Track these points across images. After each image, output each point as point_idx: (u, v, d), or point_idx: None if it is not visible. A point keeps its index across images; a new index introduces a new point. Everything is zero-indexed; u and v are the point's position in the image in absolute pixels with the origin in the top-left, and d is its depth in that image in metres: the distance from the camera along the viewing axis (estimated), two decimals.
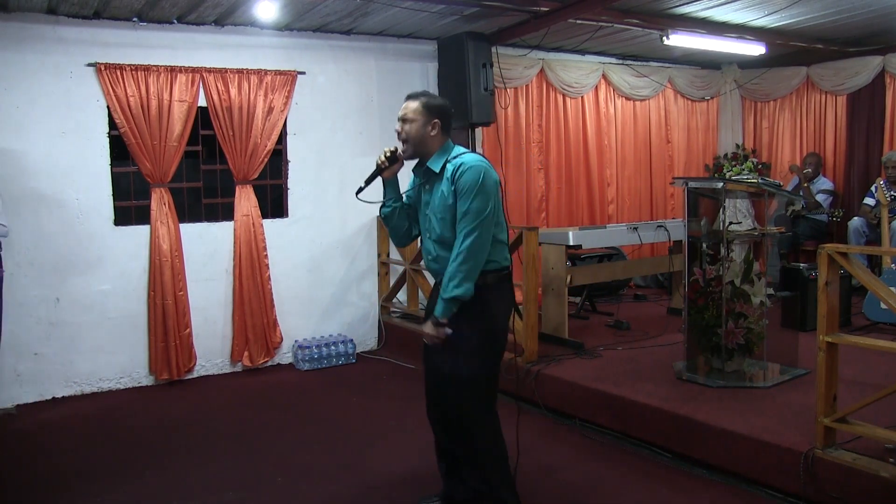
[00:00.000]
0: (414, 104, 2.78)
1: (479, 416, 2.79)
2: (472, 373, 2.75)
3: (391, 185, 2.91)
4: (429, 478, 3.24)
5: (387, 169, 2.85)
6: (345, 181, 5.79)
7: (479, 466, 2.81)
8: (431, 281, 5.61)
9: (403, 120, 2.79)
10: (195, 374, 5.30)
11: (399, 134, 2.80)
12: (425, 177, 2.83)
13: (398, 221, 2.94)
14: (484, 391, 2.81)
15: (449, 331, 2.70)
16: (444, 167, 2.75)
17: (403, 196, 2.97)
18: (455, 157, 2.75)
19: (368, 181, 2.88)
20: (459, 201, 2.66)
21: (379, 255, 6.03)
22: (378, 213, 3.01)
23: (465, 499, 2.92)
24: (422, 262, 5.66)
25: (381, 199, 2.93)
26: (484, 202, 2.66)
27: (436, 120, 2.77)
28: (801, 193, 6.49)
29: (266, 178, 5.60)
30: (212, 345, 5.37)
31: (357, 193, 2.87)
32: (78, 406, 4.71)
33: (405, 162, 2.88)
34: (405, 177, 2.91)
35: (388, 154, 2.83)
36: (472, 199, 2.64)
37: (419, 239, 2.99)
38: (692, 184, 4.22)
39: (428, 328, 2.73)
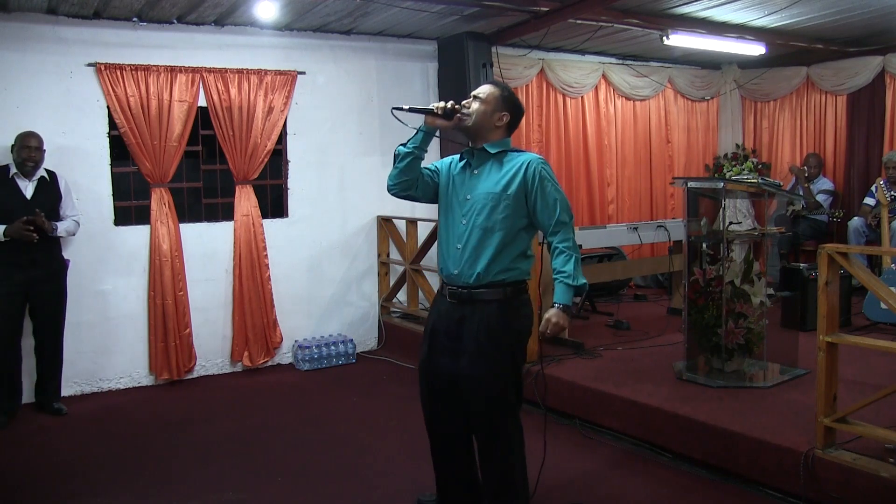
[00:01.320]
0: (493, 89, 2.74)
1: (517, 427, 2.73)
2: (510, 380, 2.68)
3: (425, 134, 2.73)
4: (429, 478, 3.24)
5: (435, 115, 2.68)
6: (345, 181, 5.79)
7: (507, 478, 2.72)
8: (432, 281, 5.67)
9: (476, 97, 2.73)
10: (195, 374, 5.30)
11: (465, 106, 2.70)
12: (478, 159, 2.73)
13: (407, 167, 2.73)
14: (519, 398, 2.75)
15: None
16: (502, 155, 2.70)
17: (434, 167, 2.83)
18: (519, 152, 2.71)
19: (412, 109, 2.71)
20: (543, 196, 2.61)
21: (379, 255, 6.03)
22: (388, 189, 2.83)
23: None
24: (420, 262, 5.71)
25: (413, 129, 2.75)
26: (565, 195, 2.68)
27: (506, 113, 2.72)
28: (801, 193, 6.49)
29: (266, 178, 5.61)
30: (212, 345, 5.37)
31: (393, 109, 2.72)
32: (78, 406, 4.71)
33: (456, 132, 2.76)
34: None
35: (447, 108, 2.67)
36: (556, 191, 2.64)
37: (442, 229, 2.81)
38: (692, 184, 4.22)
39: (558, 316, 2.58)
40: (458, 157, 2.83)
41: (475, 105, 2.70)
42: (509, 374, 2.68)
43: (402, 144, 2.76)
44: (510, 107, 2.74)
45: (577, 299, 2.57)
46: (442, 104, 2.69)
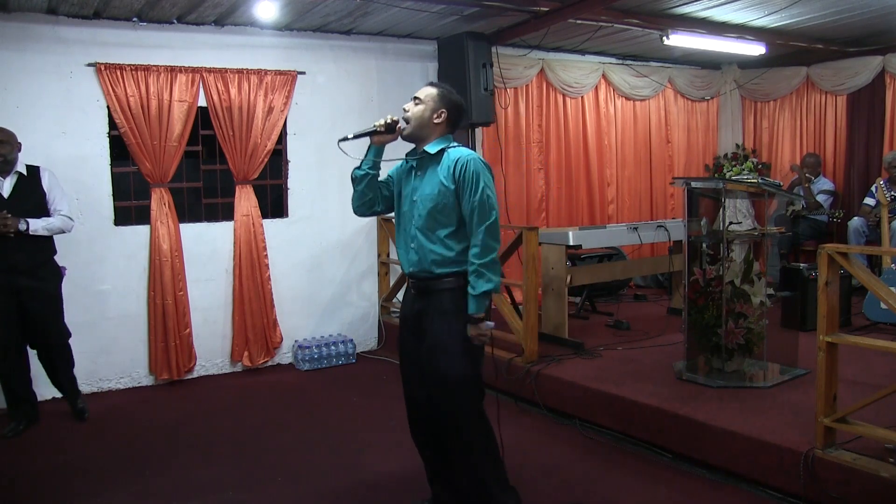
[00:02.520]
0: (430, 89, 2.82)
1: (474, 415, 2.79)
2: (466, 371, 2.75)
3: (375, 152, 2.86)
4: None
5: (379, 134, 2.80)
6: (345, 181, 5.69)
7: (474, 468, 2.80)
8: None
9: (415, 99, 2.81)
10: (195, 374, 5.30)
11: (405, 111, 2.80)
12: (420, 161, 2.81)
13: (366, 188, 2.87)
14: (478, 389, 2.82)
15: (492, 323, 2.73)
16: (441, 153, 2.76)
17: (388, 176, 2.94)
18: (455, 148, 2.77)
19: (357, 136, 2.82)
20: (465, 193, 2.67)
21: (379, 255, 6.03)
22: (354, 211, 2.97)
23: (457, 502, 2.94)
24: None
25: (360, 157, 2.88)
26: (492, 193, 2.70)
27: (444, 110, 2.78)
28: (802, 193, 6.49)
29: (266, 178, 5.61)
30: (212, 345, 5.37)
31: (339, 141, 2.82)
32: None
33: (401, 141, 2.85)
34: (385, 166, 2.91)
35: (388, 121, 2.80)
36: (480, 191, 2.66)
37: (396, 230, 2.94)
38: (692, 184, 4.22)
39: (471, 331, 2.70)
40: (404, 161, 2.92)
41: (414, 107, 2.80)
42: (465, 361, 2.75)
43: (356, 168, 2.88)
44: (447, 104, 2.80)
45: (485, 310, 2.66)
46: (382, 121, 2.81)
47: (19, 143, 4.21)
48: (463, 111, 2.88)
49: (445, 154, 2.75)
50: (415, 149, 2.85)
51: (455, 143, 2.82)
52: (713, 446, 3.34)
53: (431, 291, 2.77)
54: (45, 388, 4.71)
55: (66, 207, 4.27)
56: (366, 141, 2.87)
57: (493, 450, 2.83)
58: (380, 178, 2.93)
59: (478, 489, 2.81)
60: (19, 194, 4.11)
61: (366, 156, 2.87)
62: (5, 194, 4.09)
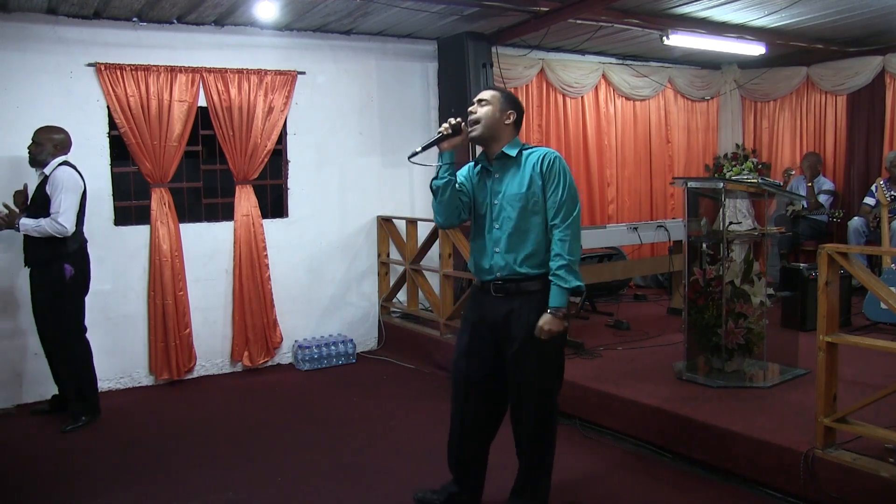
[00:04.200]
0: (494, 91, 2.82)
1: (556, 418, 2.88)
2: (559, 372, 2.83)
3: (447, 157, 2.77)
4: (429, 477, 3.24)
5: (447, 139, 2.75)
6: (345, 181, 5.79)
7: (544, 470, 2.90)
8: (432, 281, 5.67)
9: (480, 101, 2.79)
10: (195, 374, 5.30)
11: (471, 114, 2.77)
12: (498, 163, 2.79)
13: (451, 196, 2.77)
14: (560, 381, 2.91)
15: (567, 323, 2.73)
16: (520, 154, 2.76)
17: (459, 183, 2.85)
18: (532, 148, 2.78)
19: (425, 147, 2.79)
20: (552, 188, 2.68)
21: (379, 255, 6.03)
22: (430, 187, 2.84)
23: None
24: (420, 262, 5.70)
25: (437, 163, 2.79)
26: (576, 191, 2.72)
27: (512, 111, 2.78)
28: (804, 193, 6.50)
29: (266, 178, 5.61)
30: (212, 345, 5.37)
31: (410, 157, 2.79)
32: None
33: (469, 144, 2.85)
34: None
35: (454, 123, 2.76)
36: (566, 188, 2.68)
37: (473, 236, 2.89)
38: (692, 184, 4.23)
39: (550, 323, 2.66)
40: (472, 164, 2.90)
41: (482, 109, 2.76)
42: (554, 357, 2.80)
43: (434, 179, 2.81)
44: (514, 105, 2.82)
45: (576, 299, 2.64)
46: (446, 124, 2.77)
47: (59, 145, 4.26)
48: (524, 113, 2.91)
49: (526, 154, 2.76)
50: (483, 152, 2.83)
51: (528, 144, 2.82)
52: (713, 446, 3.34)
53: (522, 293, 2.74)
54: (30, 390, 4.75)
55: (59, 209, 4.11)
56: (434, 153, 2.82)
57: (553, 457, 2.94)
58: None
59: (534, 490, 2.88)
60: (38, 194, 4.23)
61: (440, 164, 2.77)
62: (29, 193, 4.32)
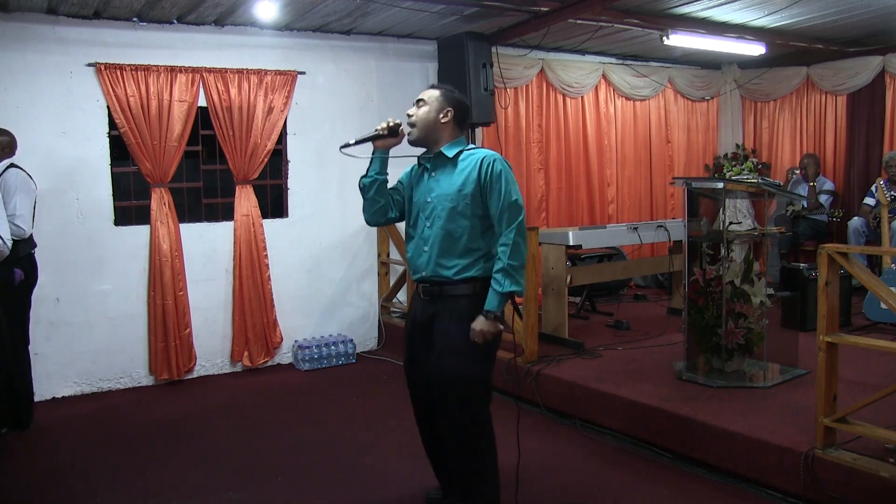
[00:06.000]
0: (432, 91, 2.79)
1: (485, 416, 2.78)
2: (481, 373, 2.74)
3: (379, 157, 2.78)
4: (429, 477, 3.24)
5: (382, 138, 2.75)
6: (345, 181, 5.79)
7: (480, 471, 2.77)
8: None
9: (418, 102, 2.78)
10: (195, 374, 5.30)
11: (409, 116, 2.76)
12: (435, 163, 2.77)
13: (376, 195, 2.80)
14: (486, 393, 2.80)
15: (502, 326, 2.69)
16: (458, 155, 2.72)
17: (398, 182, 2.88)
18: (473, 150, 2.74)
19: (359, 142, 2.76)
20: (494, 194, 2.64)
21: (379, 255, 6.03)
22: (358, 184, 2.85)
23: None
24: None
25: (367, 158, 2.81)
26: (518, 195, 2.68)
27: (449, 109, 2.75)
28: (806, 193, 6.50)
29: (266, 178, 5.61)
30: (212, 345, 5.37)
31: (342, 148, 2.75)
32: (78, 406, 4.71)
33: (408, 145, 2.81)
34: (398, 168, 2.89)
35: (391, 124, 2.75)
36: (509, 192, 2.64)
37: (407, 235, 2.91)
38: (692, 184, 4.23)
39: (482, 325, 2.63)
40: (415, 164, 2.89)
41: (418, 110, 2.75)
42: (475, 364, 2.71)
43: (363, 176, 2.82)
44: (451, 102, 2.77)
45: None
46: (384, 124, 2.76)
47: (6, 147, 4.09)
48: (468, 109, 2.86)
49: (465, 155, 2.72)
50: (426, 152, 2.81)
51: (471, 145, 2.79)
52: (713, 446, 3.34)
53: (446, 296, 2.72)
54: (44, 389, 4.72)
55: (15, 211, 3.92)
56: (369, 147, 2.81)
57: (494, 458, 2.80)
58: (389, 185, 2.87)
59: (474, 493, 2.78)
60: None
61: (371, 163, 2.80)
62: None
